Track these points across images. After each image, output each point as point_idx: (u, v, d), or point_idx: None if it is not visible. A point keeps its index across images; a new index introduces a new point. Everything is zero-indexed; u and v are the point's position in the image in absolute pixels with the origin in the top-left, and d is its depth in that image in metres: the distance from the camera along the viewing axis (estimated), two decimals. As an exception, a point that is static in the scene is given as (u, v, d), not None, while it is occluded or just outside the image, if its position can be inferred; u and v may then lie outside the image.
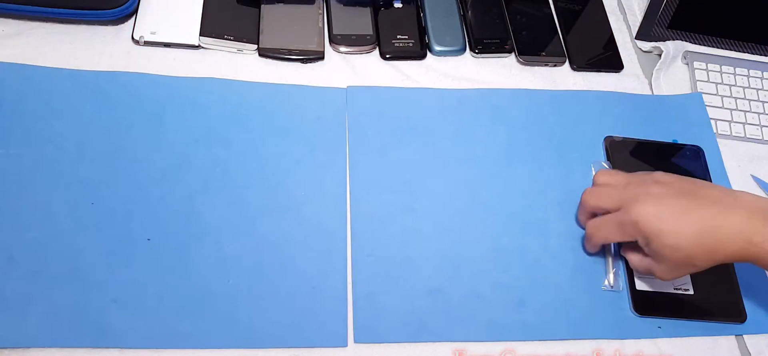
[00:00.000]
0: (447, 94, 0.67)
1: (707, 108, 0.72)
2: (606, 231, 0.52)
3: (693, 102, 0.72)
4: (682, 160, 0.66)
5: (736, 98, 0.73)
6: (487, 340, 0.54)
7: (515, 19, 0.75)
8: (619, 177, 0.55)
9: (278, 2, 0.70)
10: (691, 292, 0.58)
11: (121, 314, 0.50)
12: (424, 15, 0.73)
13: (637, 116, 0.70)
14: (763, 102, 0.74)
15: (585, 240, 0.58)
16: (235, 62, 0.66)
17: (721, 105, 0.73)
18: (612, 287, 0.57)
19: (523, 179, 0.63)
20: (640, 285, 0.58)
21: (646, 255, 0.52)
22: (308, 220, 0.57)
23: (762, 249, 0.47)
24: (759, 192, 0.67)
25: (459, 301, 0.55)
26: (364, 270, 0.55)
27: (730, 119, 0.72)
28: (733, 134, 0.71)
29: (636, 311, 0.56)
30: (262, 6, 0.70)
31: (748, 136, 0.71)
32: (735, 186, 0.66)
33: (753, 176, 0.68)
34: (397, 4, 0.74)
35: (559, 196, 0.62)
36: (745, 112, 0.73)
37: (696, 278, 0.58)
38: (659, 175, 0.53)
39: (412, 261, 0.57)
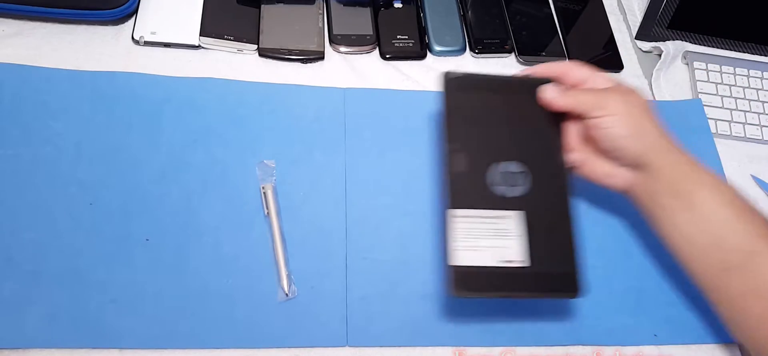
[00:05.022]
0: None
1: (707, 108, 0.72)
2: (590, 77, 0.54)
3: (692, 108, 0.72)
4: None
5: (736, 98, 0.73)
6: (482, 345, 0.54)
7: (515, 19, 0.75)
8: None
9: (278, 2, 0.70)
10: (522, 265, 0.48)
11: (120, 314, 0.50)
12: (424, 15, 0.73)
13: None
14: (763, 102, 0.74)
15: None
16: (235, 62, 0.66)
17: (720, 105, 0.73)
18: (288, 295, 0.53)
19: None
20: (460, 259, 0.47)
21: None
22: (307, 221, 0.57)
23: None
24: (759, 192, 0.67)
25: (454, 305, 0.55)
26: (359, 273, 0.55)
27: (729, 119, 0.72)
28: (733, 134, 0.71)
29: (452, 291, 0.47)
30: (262, 6, 0.70)
31: (748, 136, 0.71)
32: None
33: (753, 176, 0.68)
34: (397, 4, 0.74)
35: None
36: (744, 112, 0.73)
37: (529, 250, 0.49)
38: None
39: (407, 264, 0.57)
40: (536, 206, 0.50)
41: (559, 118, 0.54)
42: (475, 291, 0.47)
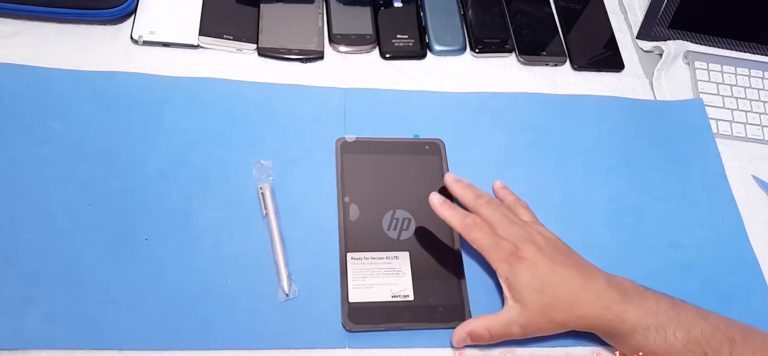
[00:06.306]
0: (445, 97, 0.67)
1: (708, 108, 0.71)
2: (485, 241, 0.52)
3: (693, 107, 0.71)
4: (421, 155, 0.63)
5: (737, 98, 0.73)
6: (483, 346, 0.53)
7: (516, 18, 0.75)
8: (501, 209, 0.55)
9: (278, 1, 0.70)
10: (411, 298, 0.54)
11: (119, 315, 0.50)
12: (424, 14, 0.73)
13: (637, 121, 0.69)
14: (764, 102, 0.74)
15: (459, 221, 0.53)
16: (235, 62, 0.66)
17: (721, 105, 0.72)
18: (288, 295, 0.53)
19: (521, 184, 0.62)
20: (355, 297, 0.53)
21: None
22: (306, 221, 0.57)
23: (618, 318, 0.50)
24: (760, 192, 0.67)
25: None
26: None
27: (730, 119, 0.72)
28: (734, 134, 0.71)
29: (347, 325, 0.52)
30: (262, 5, 0.69)
31: (749, 136, 0.71)
32: (735, 187, 0.66)
33: (754, 176, 0.68)
34: (397, 4, 0.73)
35: (557, 201, 0.62)
36: (746, 112, 0.72)
37: (418, 285, 0.55)
38: (541, 228, 0.55)
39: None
40: (421, 247, 0.57)
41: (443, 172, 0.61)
42: (368, 324, 0.52)
